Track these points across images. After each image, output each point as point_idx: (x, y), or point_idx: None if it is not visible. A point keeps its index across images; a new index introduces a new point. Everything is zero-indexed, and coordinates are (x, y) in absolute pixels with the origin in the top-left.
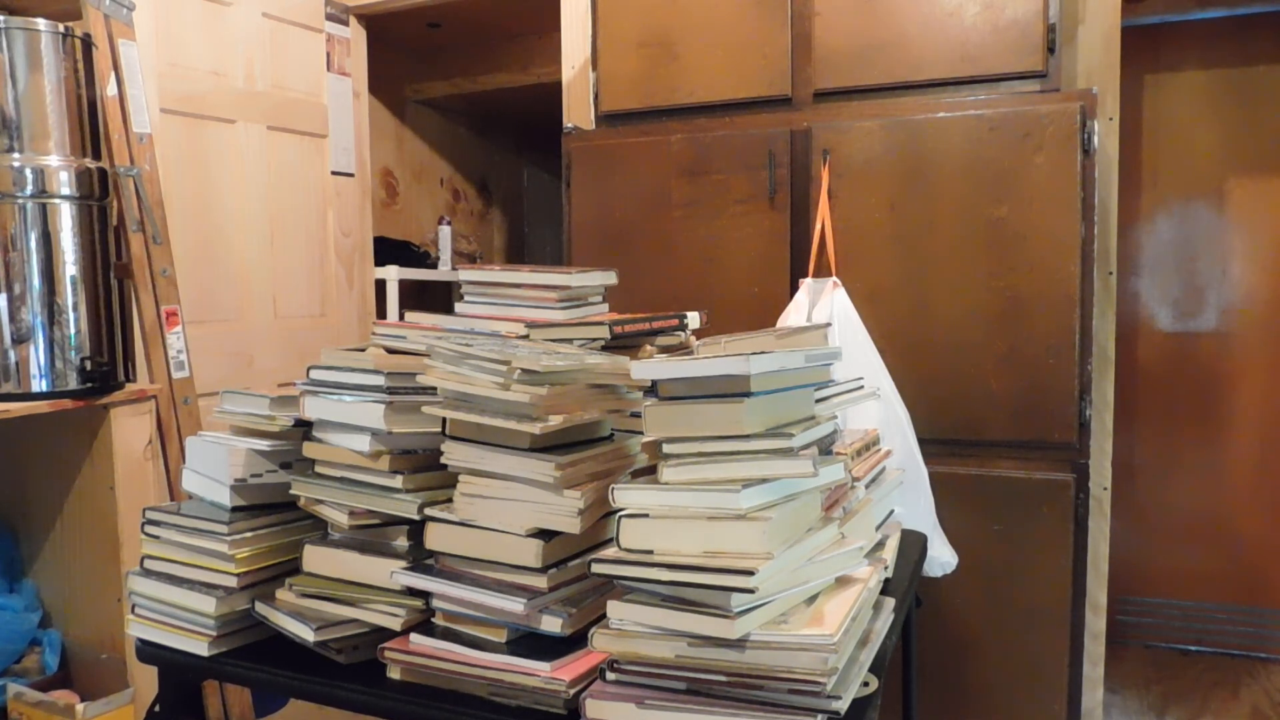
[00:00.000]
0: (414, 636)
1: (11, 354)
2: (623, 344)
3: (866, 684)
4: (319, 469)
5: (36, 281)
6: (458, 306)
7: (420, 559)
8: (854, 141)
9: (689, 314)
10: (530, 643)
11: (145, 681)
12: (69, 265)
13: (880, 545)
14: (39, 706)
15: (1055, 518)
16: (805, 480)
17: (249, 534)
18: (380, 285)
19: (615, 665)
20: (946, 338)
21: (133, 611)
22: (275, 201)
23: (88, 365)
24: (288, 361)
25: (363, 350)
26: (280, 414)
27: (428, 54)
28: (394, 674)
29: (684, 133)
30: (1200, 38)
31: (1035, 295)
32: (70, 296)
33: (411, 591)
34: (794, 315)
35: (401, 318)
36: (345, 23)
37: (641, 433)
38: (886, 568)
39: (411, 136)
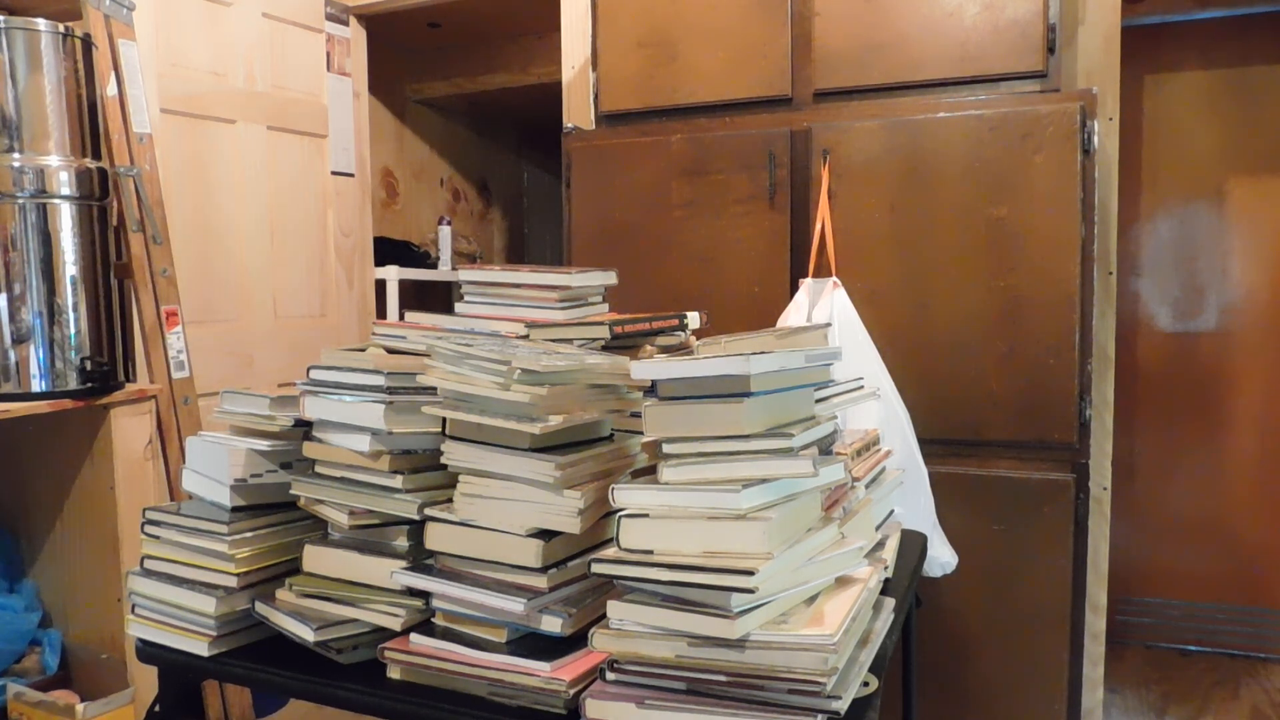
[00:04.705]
0: (414, 636)
1: (11, 354)
2: (623, 344)
3: (866, 684)
4: (319, 469)
5: (36, 281)
6: (458, 306)
7: (420, 559)
8: (854, 141)
9: (689, 314)
10: (530, 643)
11: (145, 681)
12: (69, 265)
13: (880, 545)
14: (39, 706)
15: (1055, 518)
16: (805, 480)
17: (249, 534)
18: (380, 285)
19: (615, 665)
20: (946, 338)
21: (133, 611)
22: (275, 201)
23: (88, 365)
24: (288, 361)
25: (363, 350)
26: (280, 414)
27: (428, 54)
28: (394, 674)
29: (684, 133)
30: (1200, 38)
31: (1035, 295)
32: (70, 296)
33: (411, 591)
34: (794, 315)
35: (401, 318)
36: (345, 23)
37: (641, 433)
38: (886, 568)
39: (411, 136)
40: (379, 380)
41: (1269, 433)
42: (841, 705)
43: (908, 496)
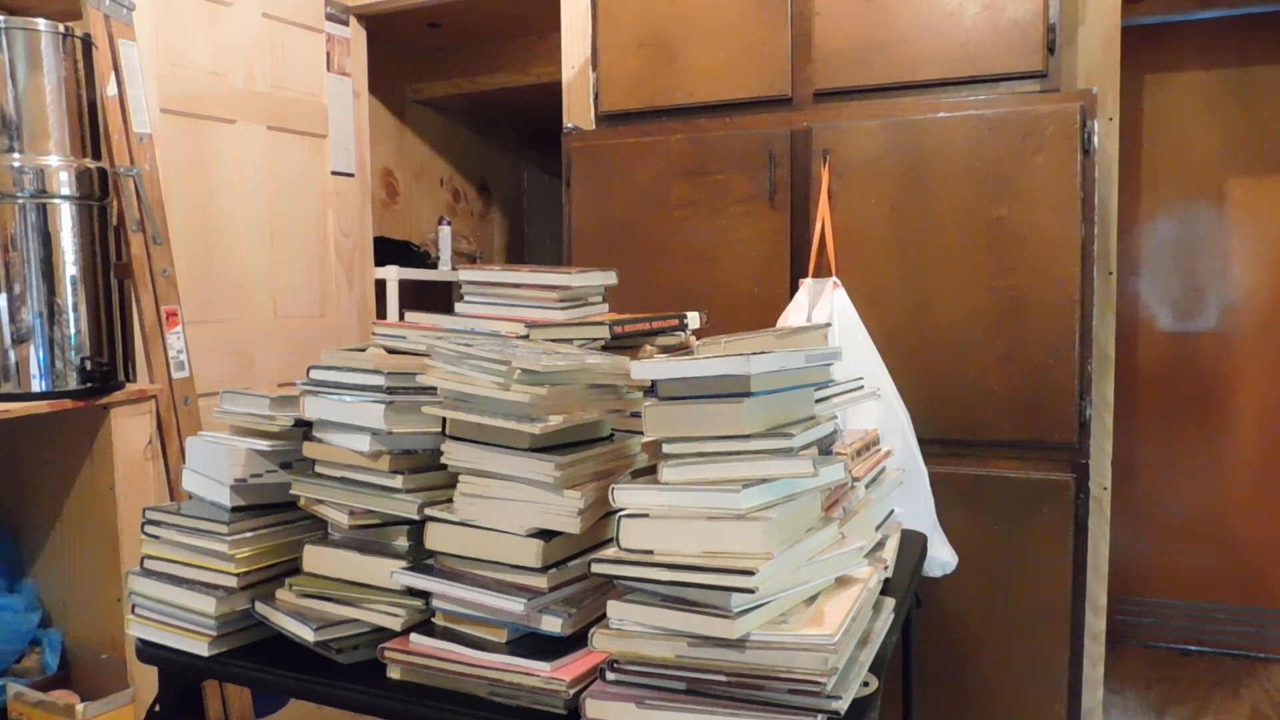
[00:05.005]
0: (414, 636)
1: (11, 354)
2: (623, 344)
3: (866, 684)
4: (319, 469)
5: (36, 281)
6: (458, 306)
7: (420, 559)
8: (854, 141)
9: (689, 314)
10: (530, 643)
11: (145, 681)
12: (69, 265)
13: (880, 545)
14: (39, 706)
15: (1055, 518)
16: (805, 480)
17: (249, 534)
18: (380, 285)
19: (615, 665)
20: (946, 338)
21: (133, 611)
22: (275, 201)
23: (88, 365)
24: (288, 361)
25: (363, 350)
26: (280, 414)
27: (428, 54)
28: (394, 674)
29: (684, 133)
30: (1200, 38)
31: (1035, 295)
32: (70, 296)
33: (411, 591)
34: (794, 315)
35: (401, 318)
36: (345, 23)
37: (641, 433)
38: (886, 568)
39: (411, 136)
40: (379, 380)
41: (1269, 433)
42: (841, 705)
43: (908, 496)
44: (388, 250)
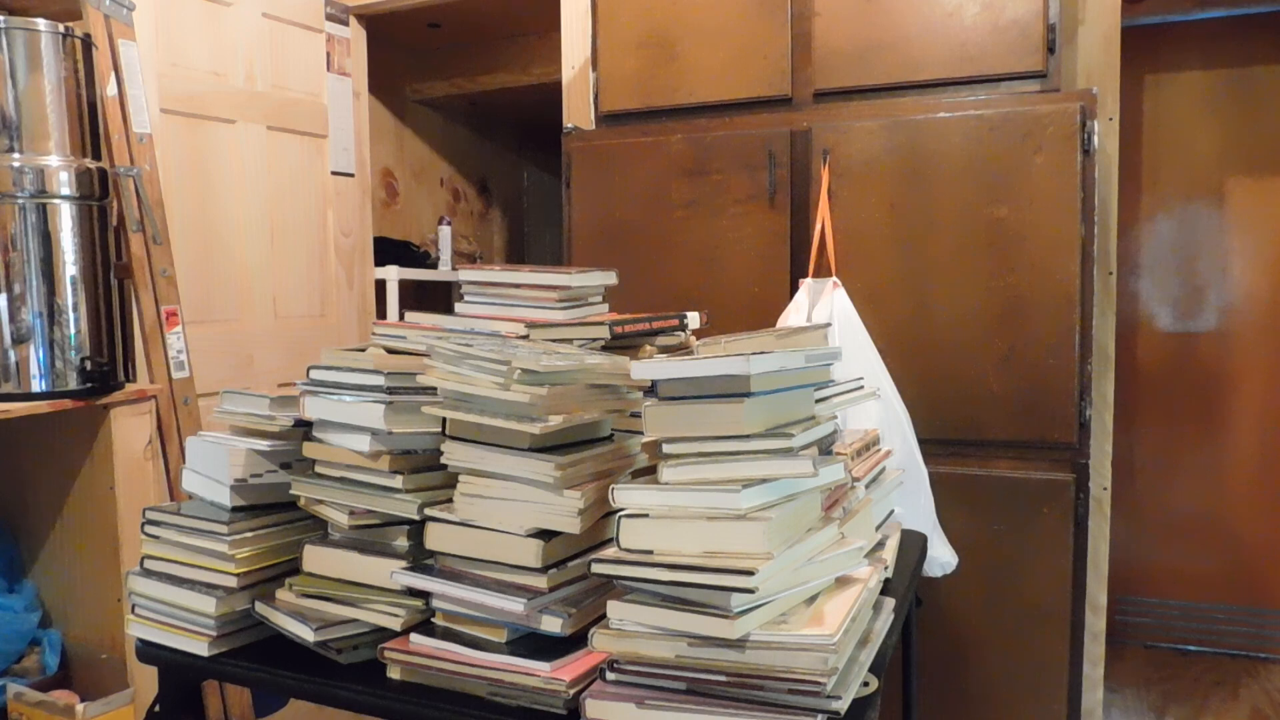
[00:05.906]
0: (414, 636)
1: (11, 354)
2: (623, 344)
3: (866, 684)
4: (319, 469)
5: (36, 281)
6: (458, 306)
7: (420, 559)
8: (854, 141)
9: (689, 314)
10: (530, 643)
11: (145, 681)
12: (69, 265)
13: (880, 545)
14: (39, 706)
15: (1055, 518)
16: (805, 480)
17: (249, 534)
18: (380, 285)
19: (615, 665)
20: (946, 338)
21: (133, 611)
22: (275, 201)
23: (88, 365)
24: (288, 361)
25: (363, 350)
26: (280, 414)
27: (428, 54)
28: (394, 674)
29: (684, 133)
30: (1200, 38)
31: (1035, 295)
32: (70, 296)
33: (411, 591)
34: (794, 315)
35: (401, 318)
36: (345, 23)
37: (641, 433)
38: (886, 568)
39: (411, 136)
40: (379, 380)
41: (1269, 433)
42: (841, 705)
43: (908, 496)
44: (388, 250)
